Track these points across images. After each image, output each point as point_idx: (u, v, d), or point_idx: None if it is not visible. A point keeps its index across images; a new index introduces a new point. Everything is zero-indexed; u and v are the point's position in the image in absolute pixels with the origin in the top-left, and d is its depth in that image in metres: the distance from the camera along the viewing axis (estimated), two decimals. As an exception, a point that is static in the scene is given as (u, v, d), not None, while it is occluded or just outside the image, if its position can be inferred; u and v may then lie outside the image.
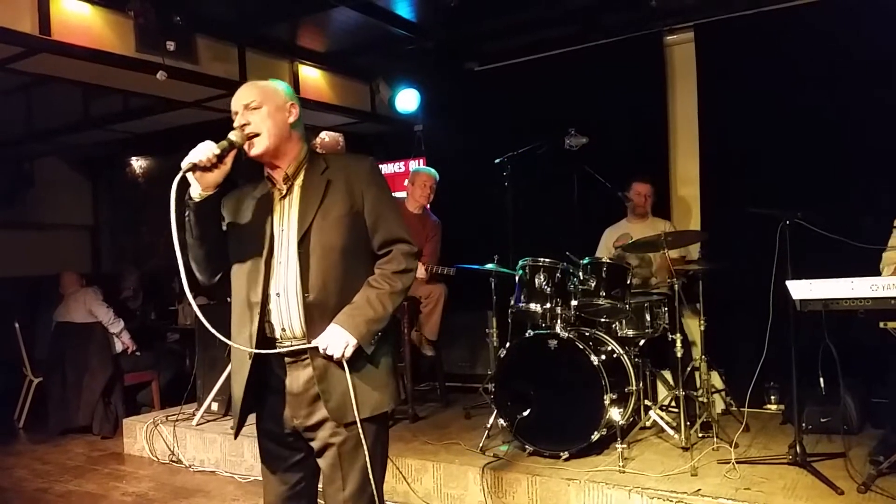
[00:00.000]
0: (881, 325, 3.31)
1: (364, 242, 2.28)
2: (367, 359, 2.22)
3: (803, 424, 3.95)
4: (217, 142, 2.13)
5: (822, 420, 4.27)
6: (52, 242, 8.70)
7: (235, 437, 2.41)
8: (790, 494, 3.34)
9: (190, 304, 2.14)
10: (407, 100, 6.72)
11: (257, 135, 2.20)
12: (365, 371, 2.22)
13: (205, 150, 2.10)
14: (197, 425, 5.17)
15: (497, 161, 5.05)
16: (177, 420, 5.27)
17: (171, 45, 5.08)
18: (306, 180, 2.28)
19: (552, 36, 6.12)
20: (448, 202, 5.59)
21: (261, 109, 2.21)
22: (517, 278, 4.41)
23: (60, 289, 6.37)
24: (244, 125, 2.19)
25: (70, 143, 7.90)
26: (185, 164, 2.09)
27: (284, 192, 2.28)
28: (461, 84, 6.79)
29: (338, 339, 2.14)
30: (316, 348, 2.17)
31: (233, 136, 2.17)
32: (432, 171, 5.46)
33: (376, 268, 2.29)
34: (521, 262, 4.41)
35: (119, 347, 6.22)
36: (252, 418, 2.37)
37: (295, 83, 6.30)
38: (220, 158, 2.13)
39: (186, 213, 2.17)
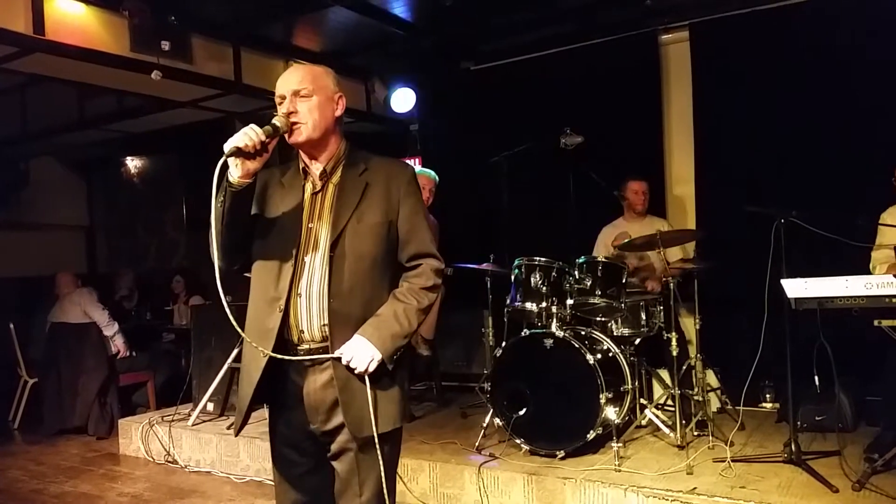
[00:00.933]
0: (875, 323, 3.31)
1: (393, 252, 2.20)
2: (387, 374, 2.13)
3: (798, 423, 3.95)
4: (261, 126, 2.03)
5: (817, 418, 4.29)
6: (47, 243, 8.67)
7: (236, 435, 2.35)
8: (785, 492, 3.35)
9: (223, 304, 1.97)
10: (403, 99, 6.72)
11: (303, 124, 2.11)
12: (384, 386, 2.14)
13: (251, 135, 1.99)
14: (192, 426, 5.15)
15: (493, 160, 5.06)
16: (172, 420, 5.25)
17: (165, 45, 5.07)
18: (343, 179, 2.18)
19: (548, 35, 6.13)
20: (444, 201, 5.57)
21: (311, 99, 2.11)
22: (513, 277, 4.41)
23: (55, 289, 6.35)
24: (291, 113, 2.10)
25: (65, 143, 7.88)
26: (228, 147, 1.97)
27: (319, 187, 2.18)
28: (457, 83, 6.79)
29: (364, 354, 2.06)
30: (338, 357, 2.08)
31: (277, 121, 2.07)
32: (431, 173, 5.43)
33: (404, 281, 2.21)
34: (516, 261, 4.41)
35: (112, 347, 6.21)
36: (254, 417, 2.32)
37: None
38: (265, 145, 2.03)
39: (221, 200, 2.03)
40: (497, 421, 4.19)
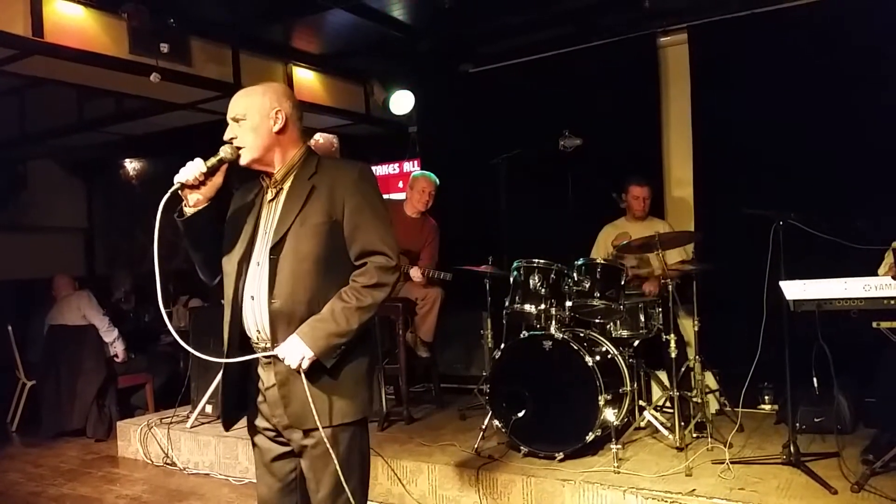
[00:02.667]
0: (874, 324, 3.32)
1: (342, 253, 2.23)
2: (325, 371, 2.18)
3: (797, 424, 3.96)
4: (206, 158, 2.17)
5: (815, 420, 4.28)
6: (45, 245, 8.67)
7: (226, 430, 2.41)
8: (784, 494, 3.35)
9: (162, 314, 2.33)
10: (402, 101, 6.72)
11: (243, 147, 2.23)
12: (323, 381, 2.19)
13: (192, 170, 2.14)
14: (191, 428, 5.15)
15: (491, 162, 5.06)
16: (171, 423, 5.25)
17: (164, 47, 5.08)
18: (293, 185, 2.27)
19: (546, 38, 6.13)
20: (443, 203, 5.58)
21: (245, 122, 2.23)
22: (512, 279, 4.41)
23: (53, 292, 6.35)
24: (232, 139, 2.23)
25: (64, 146, 7.88)
26: (175, 182, 2.14)
27: (273, 195, 2.30)
28: (456, 86, 6.79)
29: (295, 351, 2.12)
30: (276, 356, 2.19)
31: (223, 151, 2.20)
32: (432, 176, 5.42)
33: (350, 280, 2.23)
34: (515, 264, 4.42)
35: (111, 352, 6.20)
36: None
37: (289, 85, 6.30)
38: (210, 175, 2.17)
39: (181, 229, 2.21)
40: (496, 423, 4.18)
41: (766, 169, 5.15)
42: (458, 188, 6.06)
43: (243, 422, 2.39)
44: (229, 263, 2.28)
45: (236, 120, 2.24)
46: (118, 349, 6.20)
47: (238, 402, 2.35)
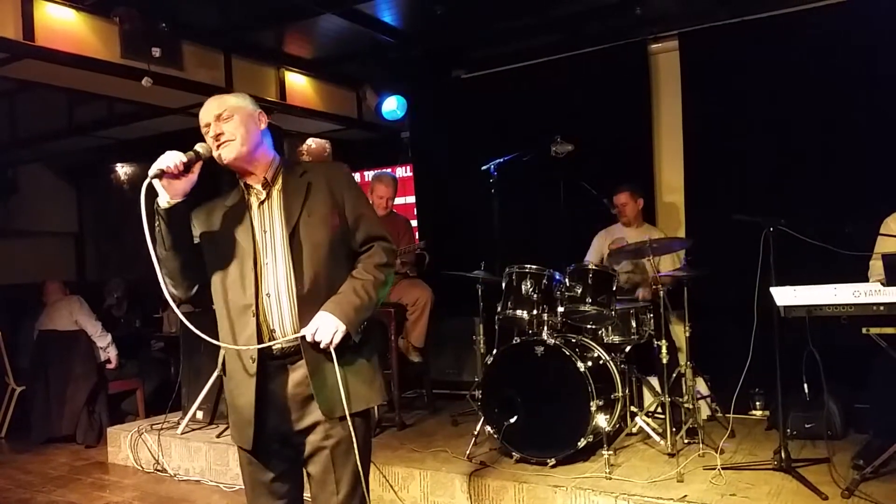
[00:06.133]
0: (864, 330, 3.34)
1: (346, 241, 2.34)
2: (355, 352, 2.26)
3: (788, 430, 3.96)
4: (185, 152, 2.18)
5: (806, 426, 4.30)
6: (35, 250, 8.63)
7: (251, 448, 2.31)
8: (775, 500, 3.36)
9: (175, 312, 2.20)
10: (393, 107, 6.73)
11: (232, 140, 2.23)
12: (354, 364, 2.27)
13: (172, 158, 2.15)
14: (182, 434, 5.12)
15: (483, 168, 5.06)
16: (161, 429, 5.22)
17: (156, 52, 5.06)
18: (286, 184, 2.32)
19: (538, 44, 6.15)
20: (434, 209, 5.58)
21: (233, 118, 2.25)
22: (504, 285, 4.41)
23: (43, 297, 6.31)
24: (219, 134, 2.23)
25: (54, 150, 7.85)
26: (152, 171, 2.13)
27: (264, 196, 2.31)
28: (448, 91, 6.81)
29: (328, 325, 2.17)
30: (308, 344, 2.18)
31: (200, 147, 2.23)
32: (389, 177, 5.39)
33: (359, 262, 2.34)
34: (507, 269, 4.42)
35: (103, 357, 6.17)
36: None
37: (281, 90, 6.31)
38: (188, 168, 2.17)
39: (157, 224, 2.19)
40: (488, 429, 4.18)
41: (757, 175, 5.18)
42: (449, 193, 6.07)
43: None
44: (228, 269, 2.28)
45: (220, 118, 2.24)
46: (111, 354, 6.17)
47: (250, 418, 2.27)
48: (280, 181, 2.33)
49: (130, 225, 8.89)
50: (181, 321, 2.23)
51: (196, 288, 2.36)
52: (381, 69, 6.62)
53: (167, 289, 2.21)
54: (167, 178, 2.15)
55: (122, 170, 9.13)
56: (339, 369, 2.18)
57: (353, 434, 2.19)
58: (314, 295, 2.22)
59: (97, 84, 5.40)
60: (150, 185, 2.12)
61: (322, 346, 2.17)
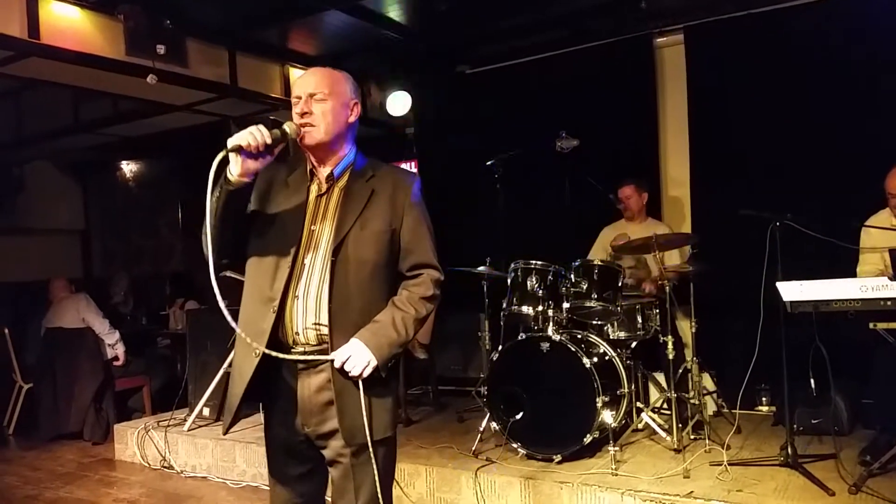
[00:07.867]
0: (871, 325, 3.33)
1: (394, 261, 2.20)
2: (381, 382, 2.12)
3: (794, 426, 3.96)
4: (269, 129, 2.02)
5: (813, 421, 4.29)
6: (42, 247, 8.66)
7: (225, 433, 2.30)
8: (782, 496, 3.35)
9: (218, 301, 1.93)
10: (398, 102, 6.72)
11: (314, 127, 2.11)
12: (379, 393, 2.13)
13: (257, 135, 1.98)
14: (188, 431, 5.14)
15: (488, 163, 5.05)
16: (168, 425, 5.23)
17: (161, 49, 5.06)
18: (350, 184, 2.18)
19: (543, 39, 6.13)
20: (440, 205, 5.55)
21: (326, 102, 2.12)
22: (509, 281, 4.41)
23: (49, 295, 6.33)
24: (304, 113, 2.10)
25: (60, 148, 7.86)
26: (231, 142, 1.97)
27: (324, 190, 2.18)
28: (452, 87, 6.79)
29: (361, 358, 2.04)
30: (331, 360, 2.07)
31: (287, 126, 2.07)
32: None
33: (404, 289, 2.20)
34: (512, 265, 4.41)
35: (110, 354, 6.19)
36: (251, 422, 2.31)
37: (286, 86, 6.29)
38: (269, 149, 2.02)
39: (216, 195, 2.02)
40: (494, 425, 4.18)
41: (763, 169, 5.16)
42: (455, 189, 6.06)
43: (241, 424, 2.32)
44: (268, 255, 2.13)
45: (313, 97, 2.11)
46: (119, 351, 6.19)
47: (246, 404, 2.20)
48: (345, 179, 2.19)
49: (137, 222, 8.98)
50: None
51: (230, 259, 2.20)
52: (385, 65, 6.61)
53: (212, 256, 1.96)
54: (243, 154, 1.99)
55: (128, 167, 9.16)
56: (363, 399, 2.06)
57: (373, 461, 2.08)
58: (345, 313, 2.08)
59: (102, 81, 5.40)
60: (224, 158, 1.97)
61: (350, 375, 2.05)
